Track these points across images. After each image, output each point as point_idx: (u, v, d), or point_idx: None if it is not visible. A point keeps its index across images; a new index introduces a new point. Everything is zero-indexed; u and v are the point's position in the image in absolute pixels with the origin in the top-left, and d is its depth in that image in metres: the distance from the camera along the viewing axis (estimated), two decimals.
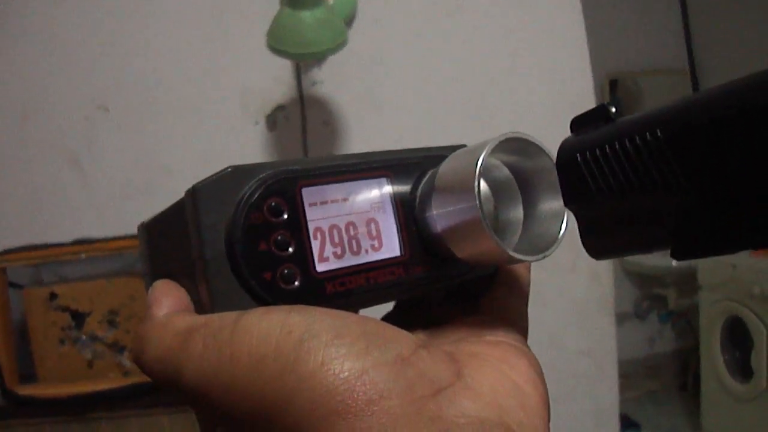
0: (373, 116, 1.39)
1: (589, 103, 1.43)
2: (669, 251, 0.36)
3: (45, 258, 1.28)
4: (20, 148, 1.40)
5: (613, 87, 3.82)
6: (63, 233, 1.31)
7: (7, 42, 1.39)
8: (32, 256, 1.27)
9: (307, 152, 1.37)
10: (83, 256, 1.26)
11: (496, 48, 1.42)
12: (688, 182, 0.32)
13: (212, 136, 1.39)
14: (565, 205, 0.41)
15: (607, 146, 0.36)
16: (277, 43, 1.12)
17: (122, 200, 1.39)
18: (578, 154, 0.38)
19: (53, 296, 1.32)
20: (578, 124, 0.39)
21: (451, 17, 1.40)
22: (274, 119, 1.39)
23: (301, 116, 1.37)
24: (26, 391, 1.23)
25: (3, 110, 1.40)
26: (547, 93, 1.43)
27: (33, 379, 1.31)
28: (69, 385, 1.24)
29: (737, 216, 0.31)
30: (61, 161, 1.40)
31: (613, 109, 0.38)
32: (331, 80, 1.39)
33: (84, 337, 1.32)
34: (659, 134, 0.33)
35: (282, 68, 1.37)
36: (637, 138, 0.34)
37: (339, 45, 1.14)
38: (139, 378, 1.21)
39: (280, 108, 1.39)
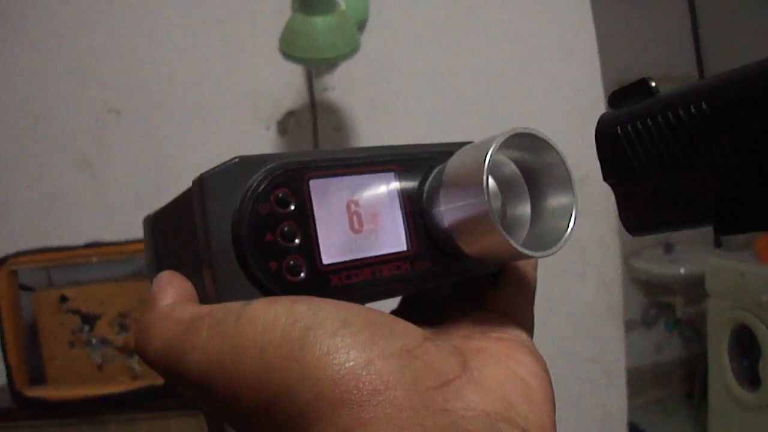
0: (385, 122, 1.39)
1: (599, 109, 1.43)
2: (700, 232, 0.35)
3: (56, 261, 1.28)
4: (31, 151, 1.41)
5: None
6: (74, 236, 1.31)
7: (18, 46, 1.40)
8: (43, 258, 1.28)
9: None
10: (94, 259, 1.27)
11: (506, 54, 1.42)
12: (734, 155, 0.32)
13: (223, 141, 1.39)
14: (604, 179, 0.41)
15: (649, 119, 0.36)
16: (290, 48, 1.12)
17: (133, 203, 1.39)
18: (619, 127, 0.38)
19: (64, 299, 1.32)
20: (618, 98, 0.39)
21: (462, 23, 1.41)
22: (286, 125, 1.39)
23: (313, 122, 1.37)
24: (36, 393, 1.24)
25: (15, 113, 1.41)
26: (558, 99, 1.43)
27: (42, 382, 1.31)
28: (78, 388, 1.24)
29: None
30: (72, 164, 1.41)
31: (653, 83, 0.37)
32: (342, 86, 1.39)
33: (94, 340, 1.32)
34: (704, 107, 0.33)
35: (293, 74, 1.37)
36: (681, 110, 0.34)
37: (351, 51, 1.14)
38: (148, 381, 1.22)
39: (291, 113, 1.39)
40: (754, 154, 0.31)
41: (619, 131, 0.38)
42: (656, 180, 0.37)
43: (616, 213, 0.41)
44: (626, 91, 0.39)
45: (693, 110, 0.34)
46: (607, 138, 0.39)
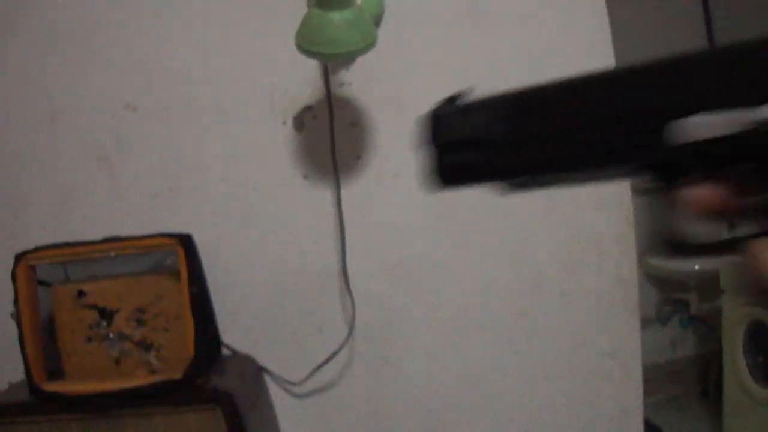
0: (400, 117, 1.39)
1: None
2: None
3: (74, 256, 1.28)
4: (49, 147, 1.42)
5: None
6: (91, 231, 1.32)
7: (36, 43, 1.41)
8: (61, 253, 1.28)
9: (335, 152, 1.38)
10: (112, 254, 1.27)
11: (522, 49, 1.42)
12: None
13: (240, 136, 1.40)
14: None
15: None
16: (307, 43, 1.12)
17: (150, 198, 1.40)
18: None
19: (81, 294, 1.32)
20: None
21: (478, 18, 1.40)
22: (302, 119, 1.39)
23: (329, 117, 1.37)
24: (53, 387, 1.24)
25: (33, 110, 1.41)
26: None
27: (60, 376, 1.32)
28: (96, 382, 1.25)
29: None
30: (90, 160, 1.41)
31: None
32: (358, 81, 1.39)
33: (111, 334, 1.32)
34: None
35: (310, 69, 1.37)
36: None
37: (368, 45, 1.14)
38: (165, 375, 1.22)
39: (308, 108, 1.39)
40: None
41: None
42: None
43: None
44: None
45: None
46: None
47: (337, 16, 1.09)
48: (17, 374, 1.28)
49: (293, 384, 1.43)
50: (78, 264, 1.35)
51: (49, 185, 1.42)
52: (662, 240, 0.42)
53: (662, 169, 0.41)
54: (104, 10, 1.40)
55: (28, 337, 1.25)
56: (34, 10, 1.40)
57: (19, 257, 1.26)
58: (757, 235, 0.36)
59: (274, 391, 1.45)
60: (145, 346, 1.33)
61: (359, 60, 1.35)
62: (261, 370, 1.42)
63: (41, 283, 1.32)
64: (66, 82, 1.41)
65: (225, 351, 1.42)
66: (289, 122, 1.40)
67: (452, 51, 1.41)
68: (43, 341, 1.29)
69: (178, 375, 1.20)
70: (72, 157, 1.42)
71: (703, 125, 0.36)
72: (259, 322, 1.43)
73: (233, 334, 1.42)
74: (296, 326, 1.44)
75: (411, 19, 1.39)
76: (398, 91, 1.40)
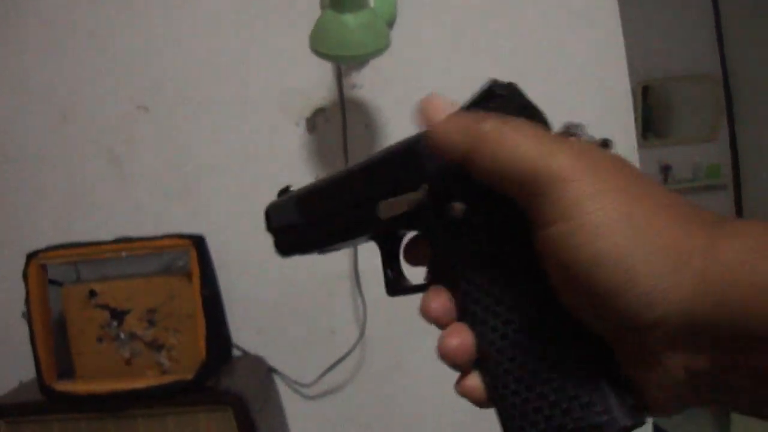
0: (413, 119, 1.38)
1: (627, 108, 1.42)
2: None
3: (85, 255, 1.28)
4: (61, 147, 1.42)
5: (645, 93, 3.80)
6: (102, 231, 1.32)
7: (47, 42, 1.41)
8: (72, 253, 1.28)
9: (348, 154, 1.38)
10: (124, 254, 1.27)
11: (535, 53, 1.42)
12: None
13: (252, 137, 1.40)
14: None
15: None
16: (321, 45, 1.12)
17: (161, 199, 1.40)
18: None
19: (92, 294, 1.33)
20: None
21: (490, 22, 1.40)
22: (315, 121, 1.39)
23: (342, 119, 1.37)
24: (64, 387, 1.24)
25: (44, 110, 1.42)
26: (586, 98, 1.42)
27: (71, 376, 1.32)
28: (107, 382, 1.25)
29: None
30: (101, 160, 1.41)
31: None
32: (371, 84, 1.39)
33: (122, 334, 1.33)
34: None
35: (322, 71, 1.37)
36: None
37: (382, 48, 1.14)
38: (177, 376, 1.22)
39: (320, 110, 1.39)
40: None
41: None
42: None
43: None
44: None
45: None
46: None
47: (351, 19, 1.09)
48: (28, 373, 1.28)
49: (304, 386, 1.43)
50: (89, 264, 1.36)
51: (61, 185, 1.42)
52: (386, 283, 0.62)
53: (381, 235, 0.60)
54: (116, 10, 1.40)
55: (39, 336, 1.25)
56: (44, 9, 1.40)
57: (30, 257, 1.26)
58: (428, 284, 0.58)
59: (285, 392, 1.45)
60: (156, 346, 1.33)
61: (372, 62, 1.35)
62: (271, 371, 1.42)
63: (52, 282, 1.32)
64: (78, 82, 1.41)
65: (235, 352, 1.42)
66: (302, 124, 1.40)
67: (465, 54, 1.41)
68: (54, 341, 1.29)
69: (189, 376, 1.20)
70: (84, 157, 1.42)
71: (393, 204, 0.54)
72: (270, 324, 1.43)
73: (244, 334, 1.42)
74: (307, 328, 1.44)
75: (424, 21, 1.38)
76: (410, 94, 1.38)
